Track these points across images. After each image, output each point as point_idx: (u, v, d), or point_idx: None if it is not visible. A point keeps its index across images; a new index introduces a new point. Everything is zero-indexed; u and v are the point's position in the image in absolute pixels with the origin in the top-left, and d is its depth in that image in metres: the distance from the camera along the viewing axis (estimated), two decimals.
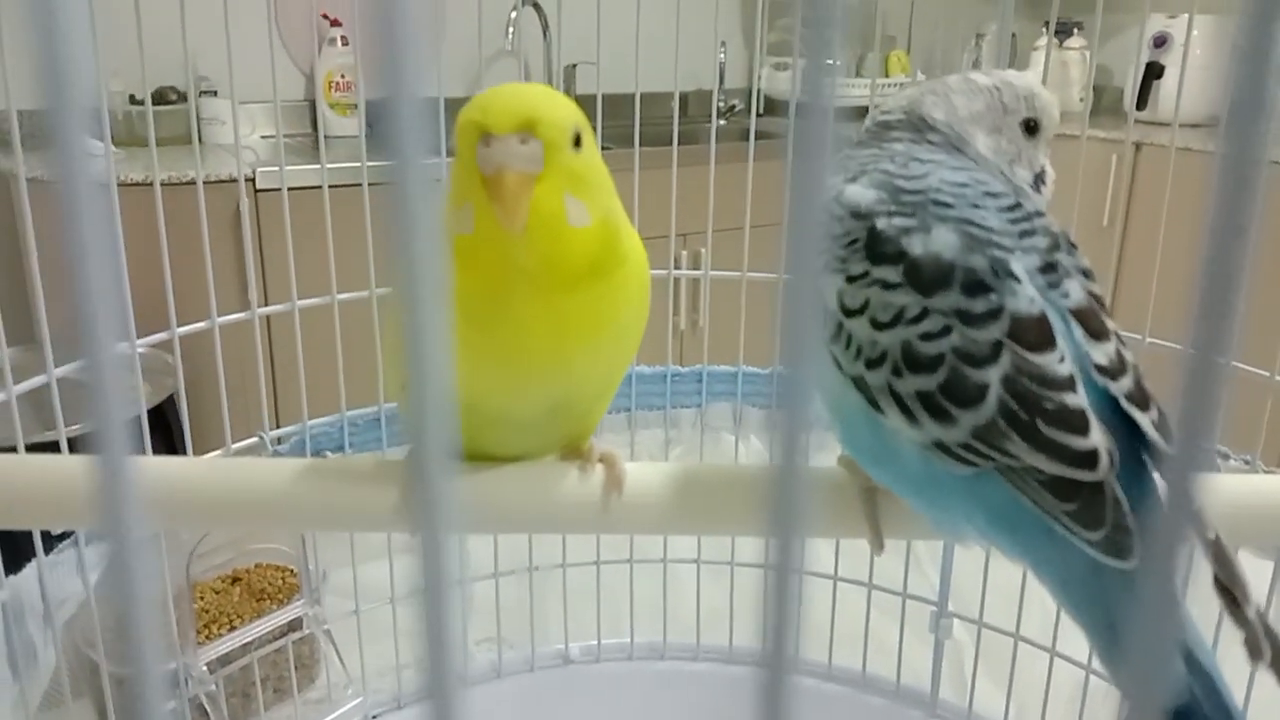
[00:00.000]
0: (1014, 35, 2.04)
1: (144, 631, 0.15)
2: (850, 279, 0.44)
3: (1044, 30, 2.59)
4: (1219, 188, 0.15)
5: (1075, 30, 2.57)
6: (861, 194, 0.45)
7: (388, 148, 0.14)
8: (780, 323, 0.14)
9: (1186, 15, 2.27)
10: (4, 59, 0.67)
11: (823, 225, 0.15)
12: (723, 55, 2.47)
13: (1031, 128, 0.50)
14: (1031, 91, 0.50)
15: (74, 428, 0.73)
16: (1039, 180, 0.51)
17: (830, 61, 0.15)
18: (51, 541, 0.72)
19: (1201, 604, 0.41)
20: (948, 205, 0.44)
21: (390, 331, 0.52)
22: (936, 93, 0.50)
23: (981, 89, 0.50)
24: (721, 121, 2.42)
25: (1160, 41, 2.30)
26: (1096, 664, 0.82)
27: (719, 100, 2.58)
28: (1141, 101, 2.28)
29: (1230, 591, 0.40)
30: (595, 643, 1.00)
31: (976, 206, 0.44)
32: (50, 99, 0.14)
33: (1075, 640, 0.83)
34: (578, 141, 0.45)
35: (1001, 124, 0.50)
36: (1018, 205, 0.45)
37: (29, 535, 0.69)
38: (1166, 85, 2.29)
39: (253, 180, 1.72)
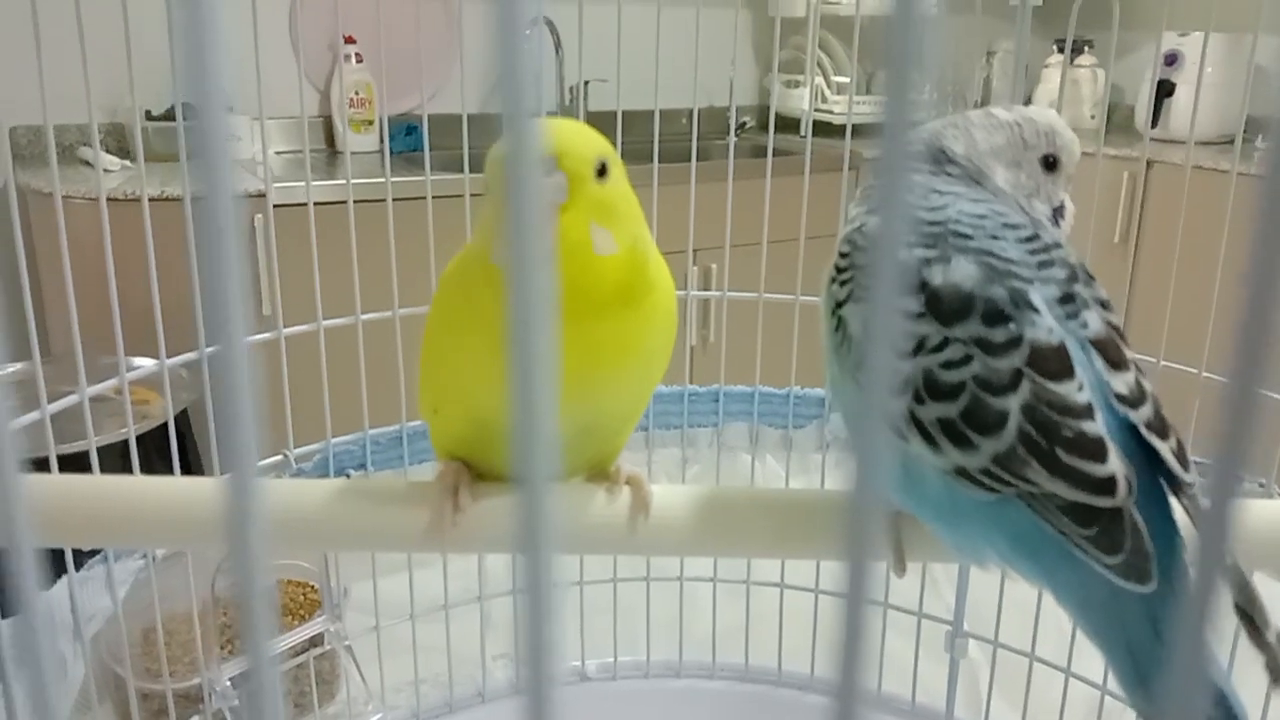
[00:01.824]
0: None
1: (263, 639, 0.16)
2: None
3: (1055, 48, 2.61)
4: (1264, 213, 0.15)
5: (1086, 48, 2.58)
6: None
7: (509, 168, 0.15)
8: (863, 357, 0.15)
9: (1195, 33, 2.27)
10: (42, 77, 0.68)
11: (901, 248, 0.16)
12: (733, 72, 2.49)
13: (1051, 164, 0.51)
14: (1052, 128, 0.51)
15: (98, 439, 0.74)
16: (1057, 215, 0.52)
17: (913, 102, 0.15)
18: (82, 558, 0.74)
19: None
20: (967, 237, 0.45)
21: (429, 351, 0.53)
22: (957, 126, 0.51)
23: (1002, 124, 0.51)
24: (734, 138, 2.44)
25: (1171, 60, 2.31)
26: (1112, 684, 0.83)
27: (730, 117, 2.60)
28: (1152, 119, 2.29)
29: (1250, 615, 0.40)
30: (612, 660, 1.00)
31: (995, 238, 0.45)
32: (196, 105, 0.15)
33: (1090, 660, 0.84)
34: (604, 172, 0.47)
35: (1021, 159, 0.51)
36: (1035, 236, 0.46)
37: (60, 552, 0.70)
38: (1177, 103, 2.30)
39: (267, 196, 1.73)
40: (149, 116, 1.97)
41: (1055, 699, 0.87)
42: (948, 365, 0.43)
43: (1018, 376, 0.42)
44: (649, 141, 0.93)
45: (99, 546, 0.72)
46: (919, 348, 0.43)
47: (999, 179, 0.50)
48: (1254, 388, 0.16)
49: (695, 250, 0.93)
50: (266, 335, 0.83)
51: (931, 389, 0.43)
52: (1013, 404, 0.41)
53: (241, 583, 0.16)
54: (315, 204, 0.84)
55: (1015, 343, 0.42)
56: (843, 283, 0.47)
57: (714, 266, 1.90)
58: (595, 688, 1.00)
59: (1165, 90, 2.31)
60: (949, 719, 0.95)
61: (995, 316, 0.42)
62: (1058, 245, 0.47)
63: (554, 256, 0.45)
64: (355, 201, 0.83)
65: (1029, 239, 0.46)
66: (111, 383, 0.73)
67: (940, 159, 0.51)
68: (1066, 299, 0.44)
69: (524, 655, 0.16)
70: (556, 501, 0.16)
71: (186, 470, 1.31)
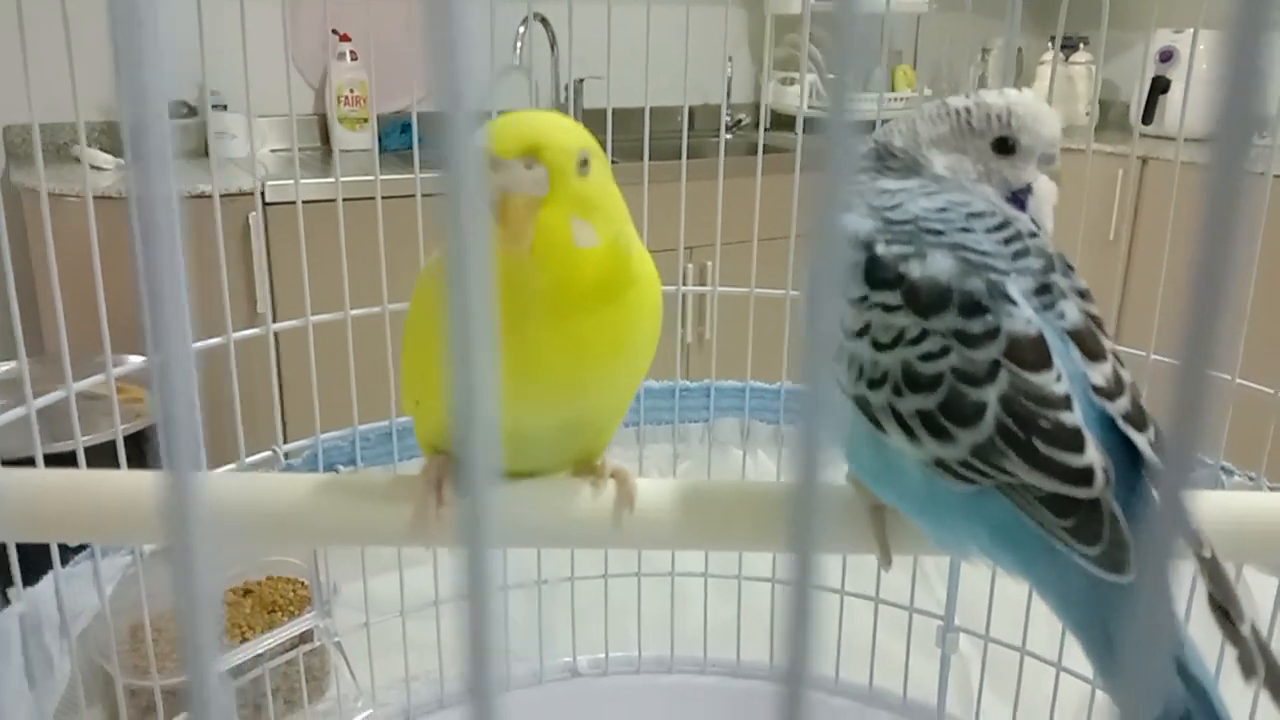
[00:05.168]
0: (1020, 50, 2.05)
1: (205, 639, 0.16)
2: (851, 302, 0.45)
3: (1050, 45, 2.61)
4: (1207, 200, 0.15)
5: (1081, 45, 2.58)
6: (859, 223, 0.46)
7: (443, 161, 0.15)
8: (799, 341, 0.15)
9: (1191, 30, 2.27)
10: (28, 75, 0.68)
11: (842, 244, 0.16)
12: (729, 70, 2.49)
13: (1008, 146, 0.51)
14: (1009, 110, 0.51)
15: (88, 438, 0.74)
16: (1020, 196, 0.51)
17: (853, 89, 0.15)
18: (68, 554, 0.73)
19: (1207, 624, 0.42)
20: (938, 232, 0.45)
21: (409, 345, 0.53)
22: (907, 121, 0.52)
23: (949, 112, 0.51)
24: (728, 136, 2.44)
25: (1166, 56, 2.31)
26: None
27: (726, 115, 2.60)
28: (1148, 116, 2.29)
29: (1225, 609, 0.40)
30: (603, 656, 1.00)
31: (965, 230, 0.45)
32: (132, 110, 0.14)
33: (1081, 655, 0.84)
34: (586, 165, 0.46)
35: (966, 146, 0.51)
36: (1006, 224, 0.46)
37: (46, 548, 0.70)
38: (1173, 100, 2.30)
39: (262, 194, 1.73)
40: None
41: (1046, 693, 0.87)
42: (926, 357, 0.43)
43: (995, 368, 0.42)
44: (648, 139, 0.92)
45: (72, 541, 0.72)
46: (898, 340, 0.43)
47: (938, 167, 0.51)
48: (1204, 370, 0.16)
49: (692, 248, 0.93)
50: (255, 331, 0.83)
51: (910, 381, 0.43)
52: (990, 395, 0.41)
53: (181, 589, 0.15)
54: (313, 201, 0.84)
55: (993, 334, 0.42)
56: None
57: (709, 264, 1.90)
58: (586, 683, 1.00)
59: (1160, 87, 2.31)
60: (941, 714, 0.95)
61: (972, 308, 0.42)
62: (1033, 234, 0.46)
63: (537, 250, 0.45)
64: (350, 199, 0.83)
65: (999, 227, 0.46)
66: (98, 378, 0.73)
67: (884, 155, 0.51)
68: (1043, 289, 0.44)
69: (466, 658, 0.16)
70: (498, 501, 0.16)
71: None
